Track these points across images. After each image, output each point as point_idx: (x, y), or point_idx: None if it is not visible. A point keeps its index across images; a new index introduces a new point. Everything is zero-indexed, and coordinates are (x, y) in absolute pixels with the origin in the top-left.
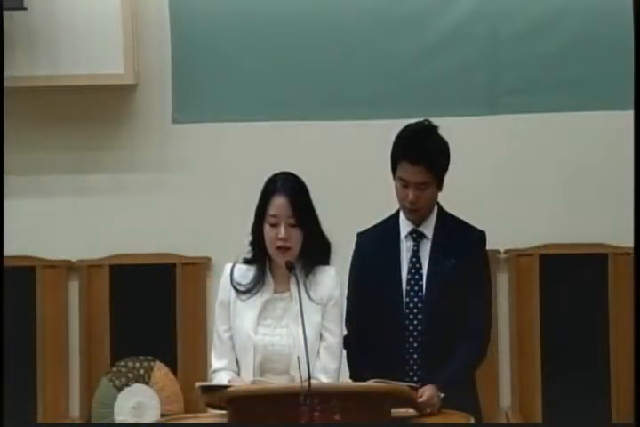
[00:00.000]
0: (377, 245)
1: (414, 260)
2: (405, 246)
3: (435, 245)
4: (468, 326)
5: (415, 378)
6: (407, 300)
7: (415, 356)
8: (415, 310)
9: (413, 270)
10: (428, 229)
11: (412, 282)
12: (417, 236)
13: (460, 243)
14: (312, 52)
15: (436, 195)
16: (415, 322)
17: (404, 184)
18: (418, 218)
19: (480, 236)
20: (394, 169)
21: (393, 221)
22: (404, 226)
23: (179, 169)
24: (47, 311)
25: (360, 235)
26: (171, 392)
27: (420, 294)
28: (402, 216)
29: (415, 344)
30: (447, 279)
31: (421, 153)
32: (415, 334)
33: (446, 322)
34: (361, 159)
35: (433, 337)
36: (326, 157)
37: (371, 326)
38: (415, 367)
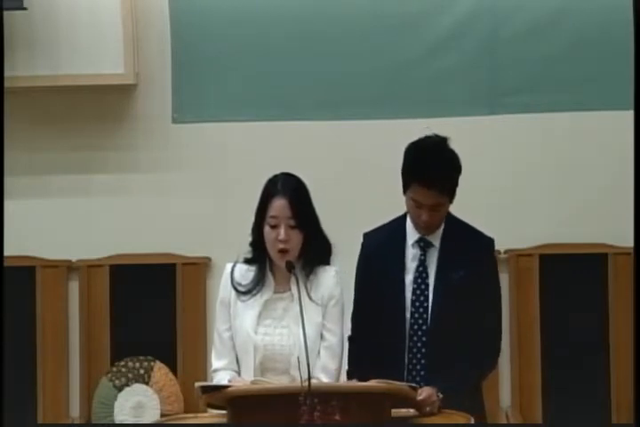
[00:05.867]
0: (383, 250)
1: (421, 269)
2: (412, 254)
3: (442, 254)
4: (479, 339)
5: None
6: (413, 310)
7: (418, 367)
8: (420, 321)
9: (419, 280)
10: (436, 237)
11: (418, 292)
12: (424, 244)
13: (468, 251)
14: (312, 52)
15: (448, 208)
16: (420, 333)
17: (417, 205)
18: (430, 232)
19: (489, 243)
20: (405, 188)
21: (400, 224)
22: (412, 233)
23: (179, 169)
24: (47, 311)
25: (366, 236)
26: (171, 392)
27: (425, 304)
28: (409, 222)
29: (419, 355)
30: (455, 289)
31: (436, 177)
32: (419, 344)
33: (452, 333)
34: (361, 159)
35: (438, 348)
36: (326, 157)
37: (375, 333)
38: (418, 379)
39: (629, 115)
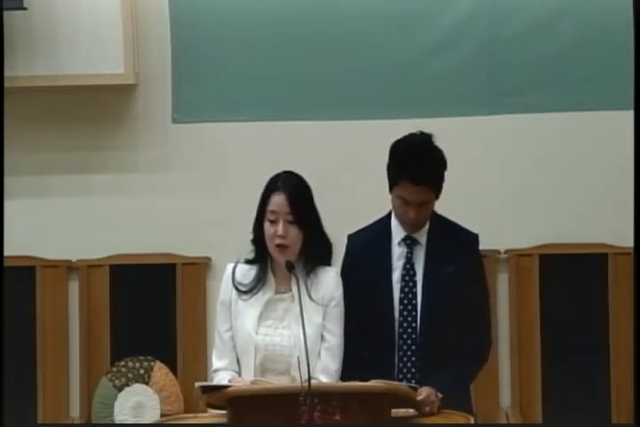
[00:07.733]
0: (369, 250)
1: (408, 267)
2: (398, 253)
3: (429, 251)
4: (469, 335)
5: None
6: (401, 308)
7: (409, 365)
8: (409, 319)
9: (407, 278)
10: (422, 234)
11: (407, 289)
12: (411, 242)
13: (454, 247)
14: (312, 52)
15: (434, 205)
16: (409, 330)
17: (404, 203)
18: (416, 230)
19: (474, 238)
20: (392, 186)
21: (385, 224)
22: (397, 232)
23: (179, 169)
24: (47, 311)
25: (350, 237)
26: (171, 392)
27: (414, 302)
28: (394, 221)
29: (409, 353)
30: (443, 286)
31: (423, 173)
32: (409, 342)
33: (442, 330)
34: (361, 159)
35: (428, 346)
36: (326, 157)
37: (365, 333)
38: (409, 376)
39: (629, 115)
